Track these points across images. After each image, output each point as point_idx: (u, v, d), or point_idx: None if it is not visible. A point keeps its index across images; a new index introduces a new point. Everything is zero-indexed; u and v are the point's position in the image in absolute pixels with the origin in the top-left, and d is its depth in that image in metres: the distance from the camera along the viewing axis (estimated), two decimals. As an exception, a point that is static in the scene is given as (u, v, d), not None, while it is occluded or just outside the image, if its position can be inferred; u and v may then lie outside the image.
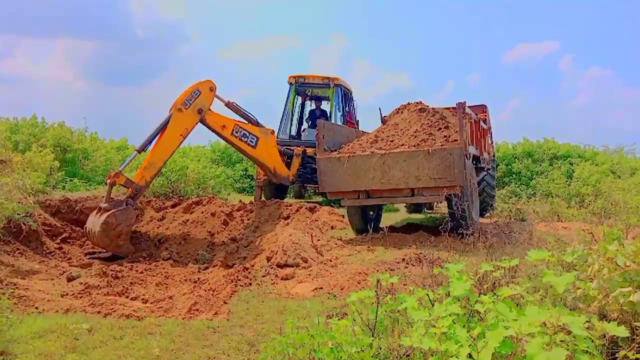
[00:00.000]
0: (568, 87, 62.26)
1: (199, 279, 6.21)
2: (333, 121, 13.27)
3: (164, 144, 8.18)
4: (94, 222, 7.34)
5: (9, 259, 6.20)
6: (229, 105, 9.64)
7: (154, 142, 8.21)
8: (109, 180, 7.62)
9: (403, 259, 6.43)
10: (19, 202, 7.12)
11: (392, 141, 8.38)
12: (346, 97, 14.44)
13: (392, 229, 8.76)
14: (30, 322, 4.16)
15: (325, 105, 14.96)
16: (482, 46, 65.74)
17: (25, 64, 50.74)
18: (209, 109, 8.85)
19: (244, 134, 9.51)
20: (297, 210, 9.48)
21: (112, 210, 7.31)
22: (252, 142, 9.65)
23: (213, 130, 9.11)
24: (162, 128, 8.18)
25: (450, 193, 7.56)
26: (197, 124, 8.66)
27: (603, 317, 2.26)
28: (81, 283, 5.69)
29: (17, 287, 5.09)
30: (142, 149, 8.14)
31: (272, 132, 10.40)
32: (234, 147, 9.88)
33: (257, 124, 9.88)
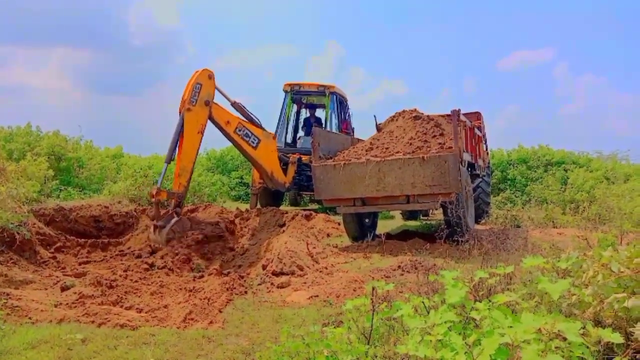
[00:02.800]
0: (562, 94, 62.64)
1: (194, 287, 6.17)
2: (328, 129, 13.30)
3: (186, 147, 8.43)
4: (157, 240, 7.87)
5: (2, 268, 6.14)
6: (234, 104, 9.80)
7: (177, 149, 8.48)
8: (153, 199, 8.07)
9: (399, 266, 6.42)
10: (12, 211, 7.08)
11: (387, 148, 8.40)
12: (341, 104, 14.49)
13: (388, 236, 8.77)
14: (23, 332, 4.11)
15: (320, 113, 15.00)
16: (477, 53, 66.17)
17: (20, 73, 50.64)
18: (214, 101, 9.02)
19: (246, 133, 9.65)
20: (292, 218, 9.47)
21: (169, 226, 7.86)
22: (253, 142, 9.79)
23: (217, 125, 9.24)
24: (180, 132, 8.42)
25: (445, 200, 7.58)
26: (209, 117, 8.87)
27: (598, 323, 2.26)
28: (75, 293, 5.64)
29: (10, 297, 5.04)
30: (170, 159, 8.49)
31: (274, 136, 10.53)
32: (234, 145, 10.01)
33: (259, 126, 10.02)
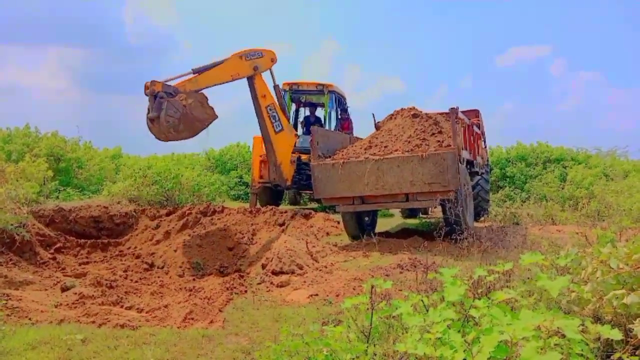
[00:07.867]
0: (560, 91, 62.77)
1: (194, 287, 6.18)
2: (327, 127, 13.29)
3: (214, 73, 8.70)
4: (158, 131, 7.76)
5: (3, 269, 6.15)
6: (276, 87, 10.24)
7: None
8: (148, 92, 7.72)
9: (398, 265, 6.42)
10: (12, 213, 7.08)
11: (385, 147, 8.39)
12: (340, 103, 14.47)
13: (387, 234, 8.77)
14: (23, 333, 4.11)
15: (319, 112, 14.99)
16: (475, 50, 66.31)
17: (17, 72, 50.58)
18: (261, 75, 9.52)
19: (274, 115, 10.04)
20: (292, 217, 9.47)
21: (163, 114, 7.52)
22: (277, 127, 10.11)
23: (253, 94, 9.65)
24: (218, 65, 8.75)
25: (444, 198, 7.58)
26: (247, 76, 9.30)
27: (597, 319, 2.26)
28: (75, 293, 5.65)
29: (10, 298, 5.05)
30: (198, 70, 8.55)
31: (296, 135, 10.78)
32: (259, 121, 10.15)
33: (288, 119, 10.54)
